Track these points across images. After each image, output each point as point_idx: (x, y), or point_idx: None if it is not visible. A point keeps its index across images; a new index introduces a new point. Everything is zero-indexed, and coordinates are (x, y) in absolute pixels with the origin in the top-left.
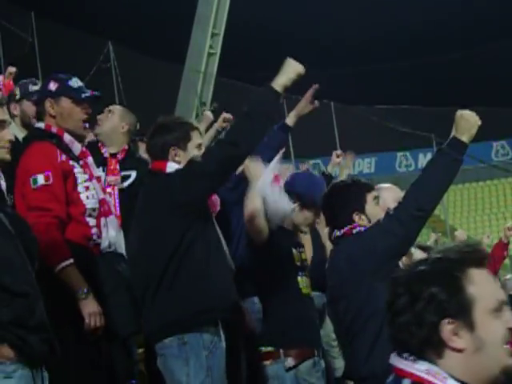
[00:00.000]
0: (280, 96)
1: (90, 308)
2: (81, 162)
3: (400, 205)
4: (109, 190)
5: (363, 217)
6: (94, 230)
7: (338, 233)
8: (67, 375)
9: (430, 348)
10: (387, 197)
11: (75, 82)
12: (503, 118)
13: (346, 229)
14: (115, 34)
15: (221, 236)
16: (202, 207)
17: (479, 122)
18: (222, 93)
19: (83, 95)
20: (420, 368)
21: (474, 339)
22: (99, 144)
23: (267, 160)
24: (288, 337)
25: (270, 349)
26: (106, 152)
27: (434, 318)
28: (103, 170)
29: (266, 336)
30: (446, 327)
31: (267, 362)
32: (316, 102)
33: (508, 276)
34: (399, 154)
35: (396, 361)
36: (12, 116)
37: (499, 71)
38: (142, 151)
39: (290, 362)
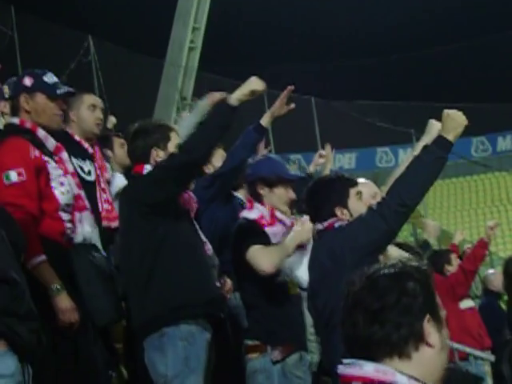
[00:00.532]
0: (234, 109)
1: (62, 304)
2: (55, 158)
3: (383, 200)
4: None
5: (345, 211)
6: (67, 225)
7: (320, 226)
8: (44, 368)
9: (413, 341)
10: (364, 192)
11: (50, 78)
12: (483, 113)
13: (327, 222)
14: (96, 28)
15: (200, 233)
16: (167, 207)
17: (466, 122)
18: (202, 87)
19: (58, 91)
20: (368, 370)
21: (440, 339)
22: None
23: (240, 159)
24: (274, 334)
25: (256, 342)
26: None
27: (419, 313)
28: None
29: (251, 330)
30: (427, 323)
31: (254, 355)
32: (292, 104)
33: (491, 271)
34: (379, 149)
35: (342, 369)
36: (2, 114)
37: (479, 67)
38: (117, 146)
39: (277, 355)
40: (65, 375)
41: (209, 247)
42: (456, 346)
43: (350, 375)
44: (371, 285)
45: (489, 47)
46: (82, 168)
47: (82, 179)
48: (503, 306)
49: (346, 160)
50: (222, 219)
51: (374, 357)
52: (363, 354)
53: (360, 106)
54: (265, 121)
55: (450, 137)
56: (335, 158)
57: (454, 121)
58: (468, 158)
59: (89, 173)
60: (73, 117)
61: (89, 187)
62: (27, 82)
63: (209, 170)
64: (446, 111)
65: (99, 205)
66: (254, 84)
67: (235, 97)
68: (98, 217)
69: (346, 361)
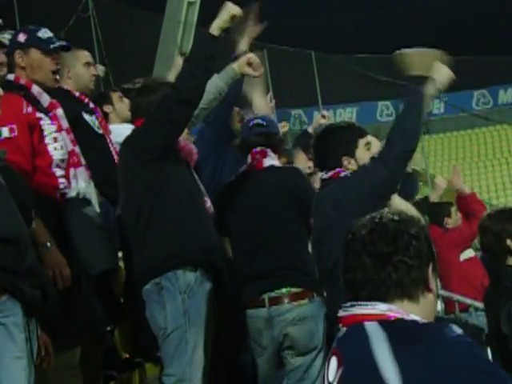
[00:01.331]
0: (215, 38)
1: (53, 259)
2: (50, 114)
3: (383, 148)
4: None
5: (353, 161)
6: (61, 180)
7: (325, 175)
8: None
9: (421, 286)
10: (374, 145)
11: (44, 33)
12: (484, 66)
13: (333, 172)
14: None
15: (200, 183)
16: (167, 155)
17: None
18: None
19: (52, 46)
20: (382, 308)
21: (435, 286)
22: None
23: (223, 115)
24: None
25: (300, 289)
26: None
27: (426, 259)
28: None
29: (290, 278)
30: (429, 269)
31: (303, 302)
32: (264, 22)
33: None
34: (380, 103)
35: (352, 309)
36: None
37: (479, 20)
38: (116, 100)
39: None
40: (57, 330)
41: (208, 201)
42: (457, 297)
43: (362, 314)
44: (381, 229)
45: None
46: (93, 122)
47: (96, 133)
48: None
49: (347, 114)
50: (227, 165)
51: (383, 300)
52: (371, 298)
53: (360, 59)
54: (243, 45)
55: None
56: (336, 112)
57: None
58: (469, 111)
59: (98, 127)
60: (68, 74)
61: (101, 140)
62: (21, 38)
63: None
64: (398, 52)
65: (114, 156)
66: (231, 8)
67: (215, 26)
68: (114, 167)
69: (351, 303)
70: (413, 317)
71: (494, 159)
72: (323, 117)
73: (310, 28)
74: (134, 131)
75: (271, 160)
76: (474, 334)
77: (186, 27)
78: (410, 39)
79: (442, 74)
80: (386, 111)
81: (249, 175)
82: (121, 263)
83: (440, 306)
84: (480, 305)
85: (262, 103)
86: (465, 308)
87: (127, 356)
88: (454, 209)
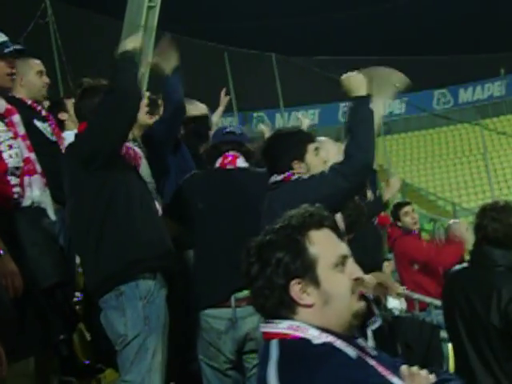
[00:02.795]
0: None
1: (5, 268)
2: (5, 121)
3: (343, 161)
4: None
5: (303, 165)
6: (15, 190)
7: (277, 177)
8: None
9: (284, 308)
10: (330, 148)
11: None
12: (444, 66)
13: (284, 175)
14: None
15: (150, 187)
16: (111, 160)
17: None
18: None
19: (6, 50)
20: (283, 326)
21: (320, 294)
22: None
23: (176, 102)
24: None
25: None
26: None
27: (282, 281)
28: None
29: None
30: (295, 287)
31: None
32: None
33: (452, 221)
34: (342, 104)
35: (262, 327)
36: None
37: (439, 20)
38: (71, 107)
39: None
40: (11, 340)
41: (157, 205)
42: (416, 296)
43: (269, 332)
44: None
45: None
46: (46, 129)
47: (48, 140)
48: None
49: (309, 116)
50: (171, 170)
51: (285, 316)
52: (276, 314)
53: (320, 61)
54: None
55: (362, 92)
56: (298, 114)
57: (356, 81)
58: (430, 110)
59: (51, 134)
60: (21, 82)
61: (54, 147)
62: None
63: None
64: (342, 77)
65: (38, 168)
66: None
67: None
68: None
69: (266, 319)
70: (310, 333)
71: (455, 158)
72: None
73: (270, 31)
74: (76, 137)
75: (243, 163)
76: (431, 333)
77: (146, 31)
78: (371, 41)
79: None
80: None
81: (221, 174)
82: (79, 268)
83: (400, 304)
84: (439, 303)
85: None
86: (425, 307)
87: (87, 362)
88: (409, 208)
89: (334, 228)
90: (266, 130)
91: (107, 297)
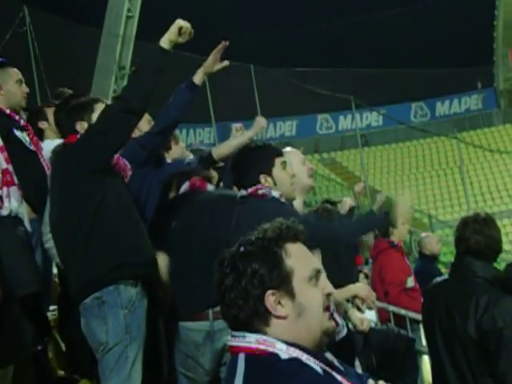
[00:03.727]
0: (165, 50)
1: None
2: None
3: (328, 223)
4: None
5: (269, 179)
6: None
7: (244, 192)
8: None
9: (258, 318)
10: (293, 159)
11: None
12: (421, 79)
13: (252, 189)
14: None
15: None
16: (104, 168)
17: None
18: (141, 56)
19: None
20: (250, 340)
21: (295, 306)
22: None
23: (173, 119)
24: None
25: None
26: None
27: (257, 291)
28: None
29: None
30: (269, 298)
31: None
32: (226, 61)
33: (424, 234)
34: (320, 116)
35: (229, 341)
36: None
37: (416, 33)
38: (51, 115)
39: None
40: None
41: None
42: (392, 308)
43: (236, 346)
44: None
45: (425, 13)
46: (25, 139)
47: (27, 149)
48: (440, 269)
49: (287, 127)
50: (154, 184)
51: (254, 329)
52: (244, 327)
53: (299, 72)
54: (197, 78)
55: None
56: (276, 125)
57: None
58: (407, 123)
59: (30, 143)
60: (0, 91)
61: (33, 156)
62: None
63: (135, 134)
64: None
65: (46, 172)
66: (180, 22)
67: (164, 39)
68: (46, 182)
69: (233, 332)
70: (278, 347)
71: (431, 171)
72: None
73: (249, 42)
74: (71, 145)
75: (211, 187)
76: (406, 345)
77: (124, 41)
78: (349, 53)
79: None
80: (325, 124)
81: (192, 194)
82: (56, 279)
83: (375, 316)
84: (414, 316)
85: None
86: (400, 319)
87: (62, 373)
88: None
89: (306, 243)
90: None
91: (89, 305)
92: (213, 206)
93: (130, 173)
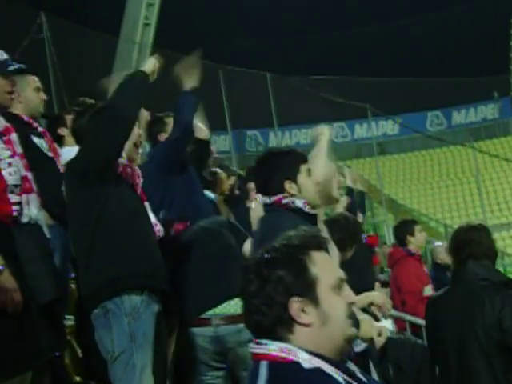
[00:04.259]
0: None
1: (5, 284)
2: (4, 138)
3: None
4: None
5: (294, 186)
6: (15, 208)
7: (268, 200)
8: None
9: (282, 326)
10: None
11: (0, 55)
12: (437, 87)
13: (276, 197)
14: (48, 5)
15: (147, 205)
16: (104, 175)
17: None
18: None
19: (9, 68)
20: (273, 348)
21: (319, 314)
22: None
23: (186, 123)
24: None
25: None
26: None
27: (282, 298)
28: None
29: None
30: (294, 305)
31: None
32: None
33: (436, 244)
34: (335, 124)
35: (252, 348)
36: None
37: (433, 42)
38: (69, 122)
39: None
40: (8, 356)
41: (159, 228)
42: (408, 317)
43: (259, 354)
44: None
45: (442, 22)
46: (43, 145)
47: (45, 156)
48: None
49: (302, 135)
50: (179, 190)
51: (277, 337)
52: (268, 335)
53: (315, 81)
54: (184, 85)
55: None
56: (291, 133)
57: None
58: (423, 132)
59: (48, 150)
60: (19, 98)
61: (51, 163)
62: None
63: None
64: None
65: (34, 187)
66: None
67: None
68: None
69: (256, 340)
70: (300, 357)
71: (447, 180)
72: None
73: (264, 50)
74: (76, 154)
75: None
76: (423, 354)
77: (141, 48)
78: (365, 61)
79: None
80: (340, 132)
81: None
82: (73, 285)
83: (391, 325)
84: None
85: (202, 128)
86: (417, 328)
87: (78, 379)
88: (417, 227)
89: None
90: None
91: (97, 314)
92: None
93: (139, 180)
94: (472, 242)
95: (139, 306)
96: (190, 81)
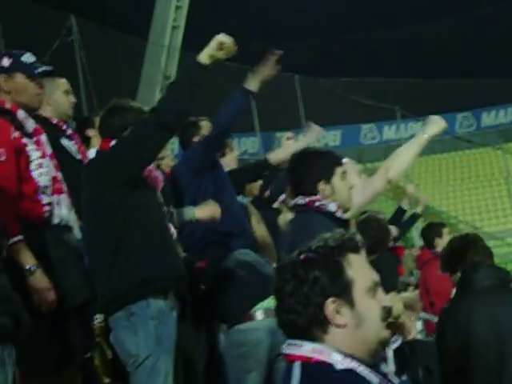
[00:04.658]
0: (203, 66)
1: (38, 284)
2: (34, 139)
3: None
4: None
5: (328, 187)
6: (46, 208)
7: (300, 200)
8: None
9: (316, 326)
10: (350, 170)
11: (28, 58)
12: (467, 89)
13: (308, 199)
14: (78, 7)
15: (171, 210)
16: (134, 180)
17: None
18: (180, 70)
19: (36, 70)
20: (307, 349)
21: (354, 316)
22: None
23: (228, 125)
24: None
25: None
26: None
27: (318, 299)
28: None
29: None
30: (330, 306)
31: None
32: (278, 66)
33: None
34: (364, 126)
35: (285, 349)
36: None
37: (461, 43)
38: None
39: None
40: (41, 357)
41: (173, 231)
42: (437, 319)
43: (292, 354)
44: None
45: (471, 23)
46: (71, 148)
47: (74, 159)
48: None
49: (331, 137)
50: (209, 189)
51: (311, 338)
52: (302, 335)
53: (344, 82)
54: (253, 85)
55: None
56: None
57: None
58: (452, 133)
59: (76, 152)
60: (48, 100)
61: (80, 166)
62: (5, 62)
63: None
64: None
65: (64, 187)
66: (221, 37)
67: (203, 53)
68: None
69: (289, 341)
70: (334, 358)
71: (477, 182)
72: (288, 138)
73: (292, 51)
74: (102, 154)
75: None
76: None
77: (170, 51)
78: (395, 63)
79: None
80: (369, 134)
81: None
82: None
83: (421, 327)
84: None
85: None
86: None
87: (108, 380)
88: (445, 230)
89: (365, 255)
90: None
91: (118, 316)
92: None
93: (161, 185)
94: (468, 253)
95: (164, 309)
96: (254, 83)
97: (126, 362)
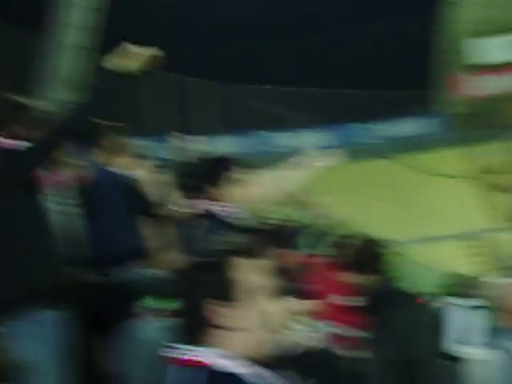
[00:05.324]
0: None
1: None
2: None
3: None
4: None
5: (217, 192)
6: None
7: (191, 205)
8: None
9: (201, 329)
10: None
11: None
12: (362, 100)
13: (197, 203)
14: None
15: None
16: (22, 182)
17: None
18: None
19: None
20: (184, 352)
21: (236, 318)
22: None
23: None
24: None
25: None
26: None
27: (202, 301)
28: None
29: None
30: (212, 308)
31: None
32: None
33: None
34: (258, 133)
35: (167, 353)
36: None
37: (359, 56)
38: None
39: None
40: None
41: None
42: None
43: (173, 358)
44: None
45: (366, 35)
46: None
47: None
48: None
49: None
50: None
51: (195, 340)
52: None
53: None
54: None
55: None
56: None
57: None
58: (348, 144)
59: None
60: None
61: None
62: None
63: None
64: None
65: None
66: (131, 47)
67: (109, 60)
68: None
69: (181, 346)
70: (214, 359)
71: (371, 193)
72: None
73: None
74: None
75: None
76: None
77: (70, 50)
78: (288, 72)
79: None
80: (260, 142)
81: None
82: None
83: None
84: None
85: None
86: None
87: None
88: None
89: (255, 259)
90: None
91: (6, 323)
92: None
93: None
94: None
95: (52, 316)
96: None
97: (20, 367)
